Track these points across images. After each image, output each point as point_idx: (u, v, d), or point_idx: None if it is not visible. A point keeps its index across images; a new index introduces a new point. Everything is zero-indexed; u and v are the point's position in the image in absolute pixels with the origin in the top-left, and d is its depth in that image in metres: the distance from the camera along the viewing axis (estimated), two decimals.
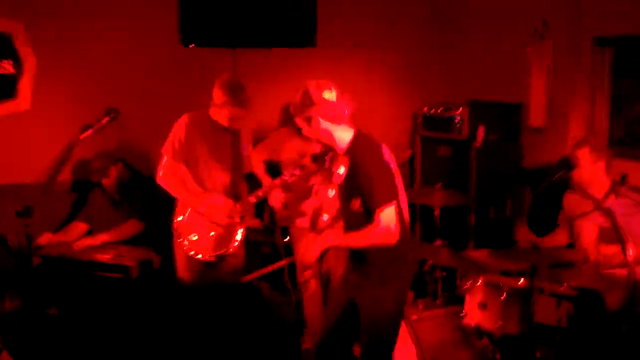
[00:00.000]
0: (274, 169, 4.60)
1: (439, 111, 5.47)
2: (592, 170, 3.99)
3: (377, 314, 3.29)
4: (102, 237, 4.59)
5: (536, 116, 5.30)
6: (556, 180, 3.71)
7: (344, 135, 3.20)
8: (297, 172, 4.03)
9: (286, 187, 4.37)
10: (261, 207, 4.80)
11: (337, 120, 3.17)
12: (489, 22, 5.78)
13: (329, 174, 3.24)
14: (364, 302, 3.31)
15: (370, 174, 3.10)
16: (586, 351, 3.43)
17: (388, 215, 3.09)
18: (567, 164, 3.79)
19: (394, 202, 3.11)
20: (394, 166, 3.26)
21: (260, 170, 4.97)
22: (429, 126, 5.58)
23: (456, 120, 5.24)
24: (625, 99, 4.84)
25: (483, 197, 5.18)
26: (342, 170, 3.19)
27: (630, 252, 2.97)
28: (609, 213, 3.26)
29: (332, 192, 3.27)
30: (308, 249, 3.28)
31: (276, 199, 4.57)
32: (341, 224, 3.37)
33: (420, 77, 6.15)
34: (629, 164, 4.48)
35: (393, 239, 3.12)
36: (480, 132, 5.15)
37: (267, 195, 4.30)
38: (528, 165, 5.34)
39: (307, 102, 3.15)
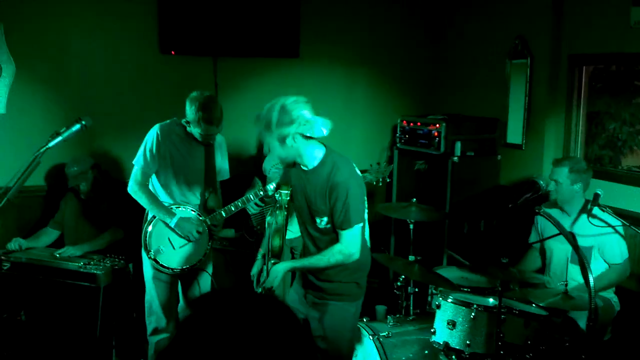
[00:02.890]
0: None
1: (417, 125, 5.47)
2: (569, 190, 4.00)
3: (333, 330, 3.28)
4: (84, 246, 4.55)
5: (513, 133, 5.32)
6: (521, 204, 3.69)
7: (315, 152, 3.14)
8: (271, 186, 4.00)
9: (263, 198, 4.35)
10: (241, 216, 4.76)
11: (313, 137, 3.09)
12: (470, 39, 5.81)
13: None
14: (323, 319, 3.29)
15: (339, 194, 3.05)
16: None
17: (352, 236, 3.08)
18: (534, 188, 3.78)
19: (361, 223, 3.10)
20: (361, 182, 3.22)
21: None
22: (407, 140, 5.57)
23: (434, 135, 5.23)
24: (601, 118, 4.86)
25: (458, 213, 5.18)
26: (271, 186, 3.14)
27: (591, 278, 2.96)
28: (570, 237, 3.25)
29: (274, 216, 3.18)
30: (269, 277, 3.20)
31: (251, 209, 4.54)
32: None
33: (401, 91, 6.17)
34: (602, 184, 4.50)
35: (352, 258, 3.12)
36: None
37: (241, 208, 4.27)
38: (505, 181, 5.35)
39: (287, 119, 3.01)
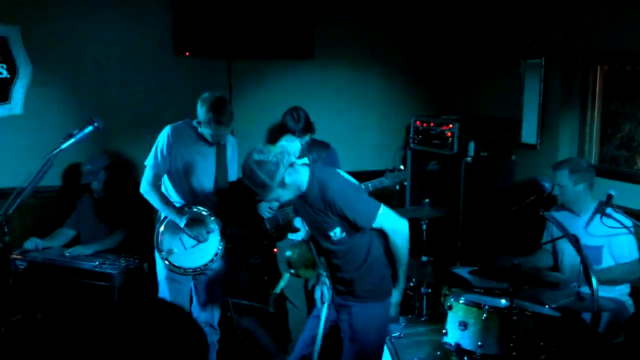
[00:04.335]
0: None
1: (430, 125, 5.46)
2: (574, 191, 3.98)
3: (363, 332, 3.29)
4: (94, 246, 4.60)
5: (528, 132, 5.29)
6: (526, 206, 3.69)
7: (302, 175, 3.16)
8: None
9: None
10: (255, 218, 4.77)
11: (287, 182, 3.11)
12: (484, 38, 5.79)
13: None
14: (350, 321, 3.31)
15: (343, 205, 3.10)
16: None
17: (386, 218, 3.16)
18: (538, 190, 3.76)
19: (379, 205, 3.16)
20: (348, 179, 3.31)
21: None
22: (420, 140, 5.56)
23: (447, 135, 5.21)
24: (617, 118, 4.82)
25: (471, 214, 5.16)
26: None
27: (594, 281, 2.93)
28: (573, 240, 3.23)
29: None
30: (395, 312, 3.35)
31: (266, 213, 4.55)
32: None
33: (415, 91, 6.16)
34: (618, 185, 4.47)
35: (406, 228, 3.21)
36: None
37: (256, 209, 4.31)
38: (520, 181, 5.33)
39: (272, 167, 3.03)
